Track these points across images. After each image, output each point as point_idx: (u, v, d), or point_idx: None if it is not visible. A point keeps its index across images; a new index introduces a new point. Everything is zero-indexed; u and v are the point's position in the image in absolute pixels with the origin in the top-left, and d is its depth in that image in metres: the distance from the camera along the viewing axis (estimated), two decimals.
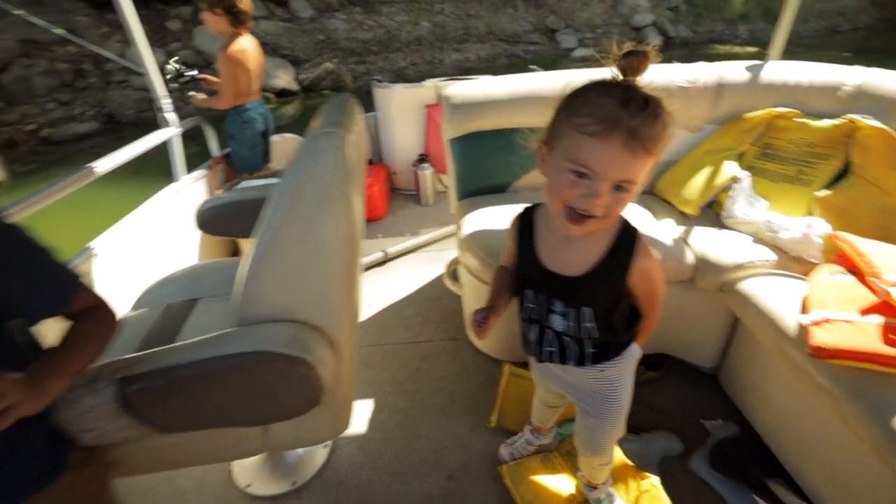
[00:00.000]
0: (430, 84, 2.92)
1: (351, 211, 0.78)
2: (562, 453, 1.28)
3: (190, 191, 2.21)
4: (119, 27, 8.18)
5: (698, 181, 1.65)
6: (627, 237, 0.74)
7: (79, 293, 0.67)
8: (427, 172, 2.85)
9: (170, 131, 2.15)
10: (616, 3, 13.65)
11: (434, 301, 1.97)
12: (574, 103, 0.66)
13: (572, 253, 0.76)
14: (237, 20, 2.11)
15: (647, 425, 1.34)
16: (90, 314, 0.69)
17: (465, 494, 1.22)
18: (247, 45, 2.20)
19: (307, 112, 8.04)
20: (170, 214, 2.00)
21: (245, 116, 2.35)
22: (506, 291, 0.89)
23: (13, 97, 7.13)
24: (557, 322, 0.82)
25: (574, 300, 0.79)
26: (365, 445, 1.37)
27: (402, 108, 2.91)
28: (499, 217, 1.52)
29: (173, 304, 1.18)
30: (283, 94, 8.48)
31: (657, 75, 1.66)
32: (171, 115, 2.17)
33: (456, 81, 2.95)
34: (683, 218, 1.60)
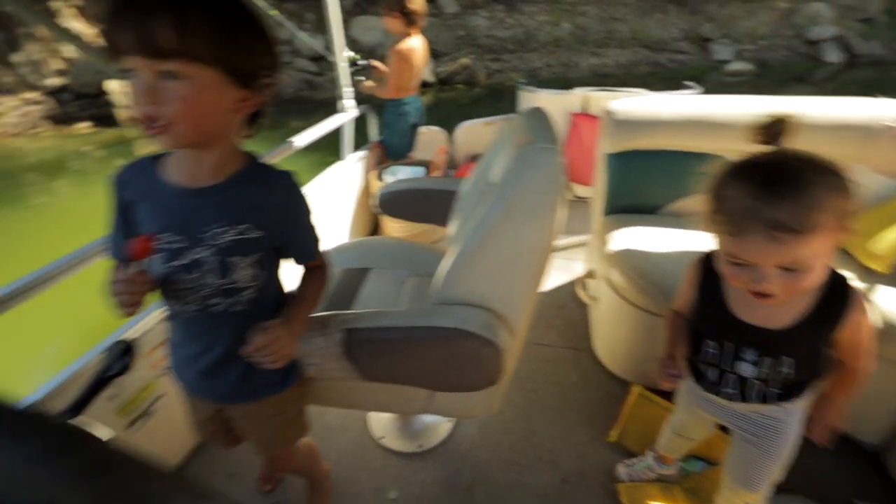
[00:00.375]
0: (578, 92, 2.90)
1: (554, 223, 0.87)
2: (685, 489, 1.25)
3: (353, 169, 2.52)
4: (294, 15, 9.24)
5: (893, 235, 1.45)
6: (839, 289, 0.71)
7: (321, 250, 0.83)
8: None
9: (347, 115, 2.46)
10: (790, 12, 11.98)
11: (558, 308, 2.00)
12: (714, 192, 0.62)
13: (773, 306, 0.71)
14: (410, 21, 2.33)
15: (789, 487, 1.25)
16: (318, 270, 0.84)
17: (579, 501, 1.26)
18: (416, 44, 2.42)
19: (440, 104, 8.42)
20: (338, 188, 2.31)
21: (402, 109, 2.60)
22: (683, 338, 0.89)
23: None
24: (747, 369, 0.80)
25: (772, 351, 0.76)
26: (484, 430, 1.47)
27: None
28: (650, 238, 1.50)
29: (350, 269, 1.38)
30: (421, 85, 8.98)
31: (852, 110, 1.50)
32: (349, 102, 2.48)
33: (606, 91, 2.91)
34: (868, 274, 1.43)
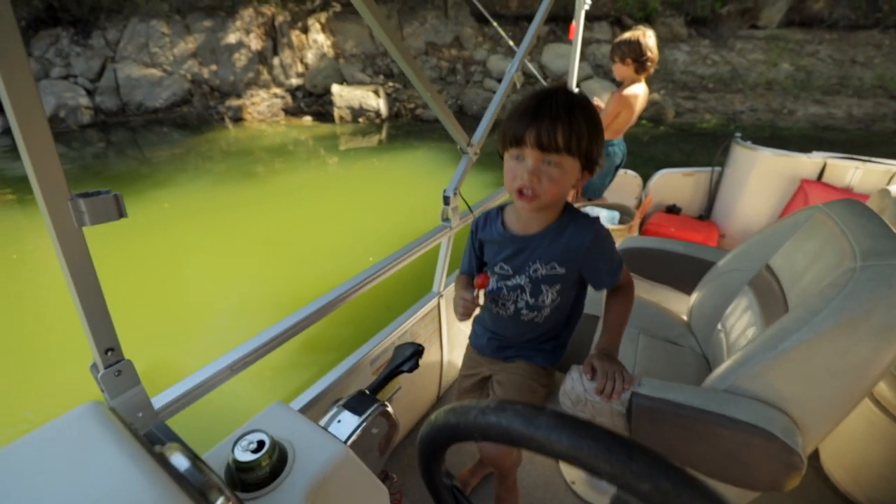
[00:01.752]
0: (817, 158, 2.48)
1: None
2: None
3: None
4: (491, 38, 9.82)
5: None
6: None
7: (623, 270, 0.93)
8: None
9: None
10: None
11: None
12: None
13: None
14: (642, 68, 2.27)
15: None
16: (621, 290, 0.95)
17: None
18: (640, 91, 2.34)
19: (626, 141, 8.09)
20: None
21: (609, 150, 2.54)
22: None
23: (409, 82, 9.65)
24: None
25: None
26: None
27: (765, 174, 2.58)
28: None
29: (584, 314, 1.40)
30: None
31: None
32: None
33: (855, 160, 2.43)
34: None
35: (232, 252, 4.11)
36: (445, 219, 1.40)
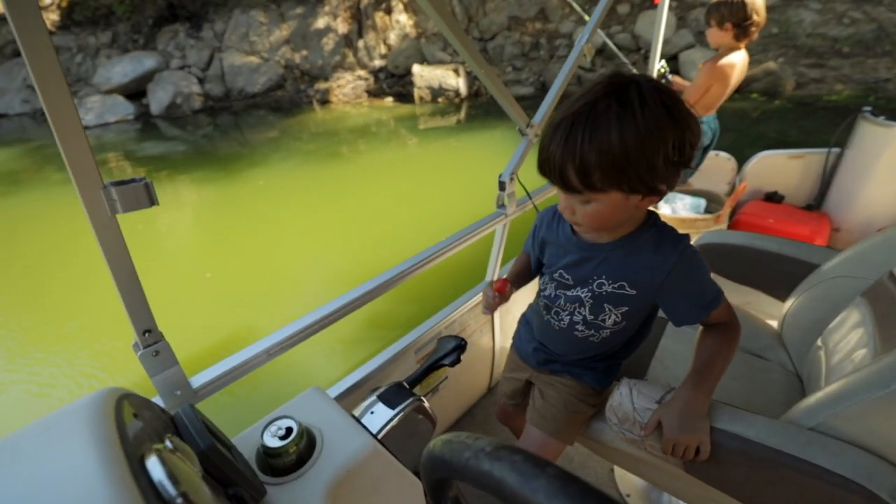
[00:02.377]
0: None
1: None
2: None
3: None
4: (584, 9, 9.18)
5: None
6: None
7: (718, 309, 0.74)
8: None
9: None
10: None
11: None
12: None
13: None
14: (743, 34, 1.92)
15: None
16: (719, 328, 0.77)
17: None
18: (738, 60, 2.00)
19: (722, 115, 7.19)
20: None
21: None
22: None
23: (490, 59, 9.40)
24: None
25: None
26: None
27: None
28: None
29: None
30: None
31: None
32: None
33: None
34: None
35: (317, 228, 4.36)
36: (501, 205, 1.33)
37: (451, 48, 9.81)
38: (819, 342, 1.06)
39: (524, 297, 1.58)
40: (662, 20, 2.18)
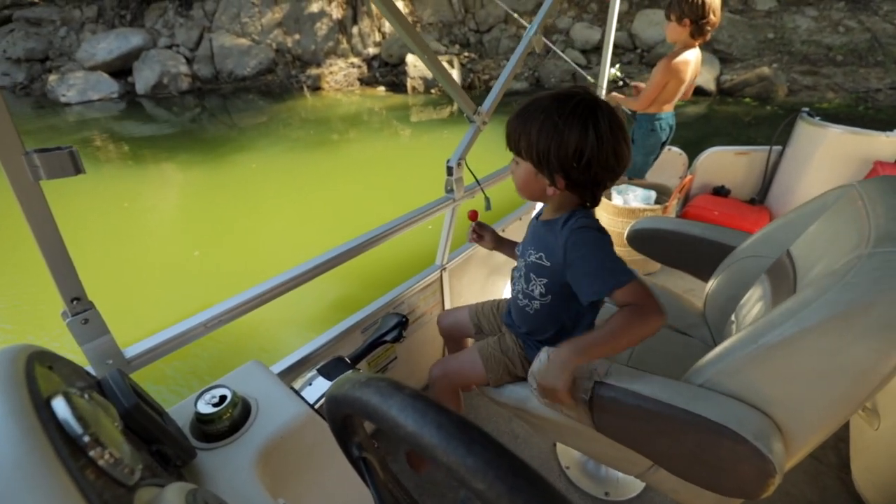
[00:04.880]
0: None
1: None
2: None
3: None
4: (577, 5, 9.09)
5: None
6: None
7: (622, 289, 0.77)
8: None
9: None
10: None
11: None
12: None
13: None
14: (699, 32, 1.99)
15: None
16: (626, 309, 0.78)
17: None
18: (692, 57, 2.08)
19: (713, 118, 7.20)
20: None
21: (655, 125, 2.28)
22: None
23: (485, 52, 9.28)
24: None
25: None
26: None
27: (832, 155, 2.24)
28: None
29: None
30: (695, 93, 7.83)
31: None
32: None
33: None
34: None
35: (302, 215, 4.28)
36: (449, 190, 1.36)
37: (447, 39, 9.67)
38: (732, 317, 1.16)
39: (494, 283, 1.71)
40: (612, 26, 2.27)
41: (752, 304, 1.09)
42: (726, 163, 2.59)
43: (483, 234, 1.15)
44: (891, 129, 2.16)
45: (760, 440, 0.71)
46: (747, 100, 7.75)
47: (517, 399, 1.01)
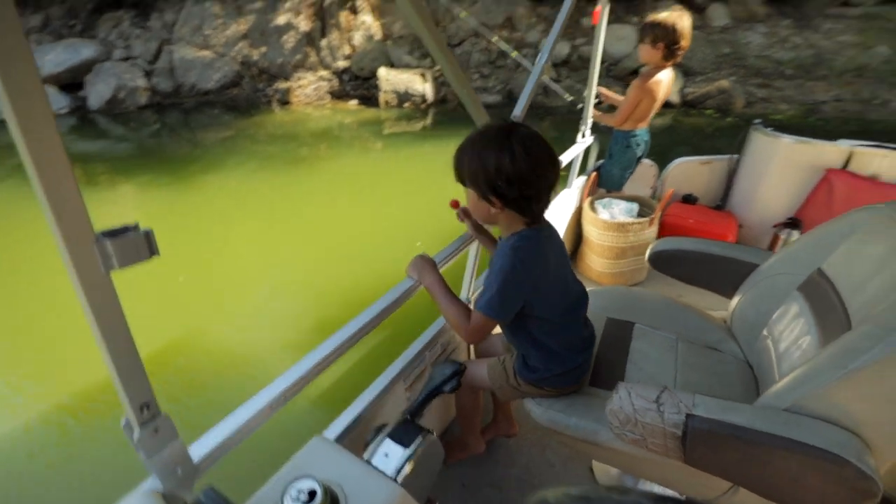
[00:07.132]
0: (844, 146, 2.28)
1: None
2: None
3: (572, 195, 2.53)
4: (545, 19, 9.26)
5: None
6: None
7: (478, 311, 0.98)
8: (792, 238, 2.38)
9: (586, 143, 2.56)
10: None
11: None
12: None
13: None
14: (671, 55, 2.11)
15: None
16: (471, 318, 1.01)
17: None
18: (664, 78, 2.22)
19: (678, 129, 7.46)
20: (555, 213, 2.33)
21: (630, 141, 2.43)
22: None
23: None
24: None
25: None
26: None
27: (786, 163, 2.43)
28: None
29: (615, 319, 1.37)
30: (663, 106, 8.11)
31: None
32: (588, 131, 2.55)
33: (885, 148, 2.21)
34: None
35: (274, 237, 4.08)
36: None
37: (419, 52, 9.65)
38: (765, 332, 1.19)
39: None
40: (601, 40, 2.36)
41: (790, 320, 1.13)
42: (693, 172, 2.77)
43: (467, 219, 1.25)
44: (837, 139, 2.34)
45: (863, 461, 0.73)
46: (709, 111, 8.10)
47: (586, 432, 1.05)
